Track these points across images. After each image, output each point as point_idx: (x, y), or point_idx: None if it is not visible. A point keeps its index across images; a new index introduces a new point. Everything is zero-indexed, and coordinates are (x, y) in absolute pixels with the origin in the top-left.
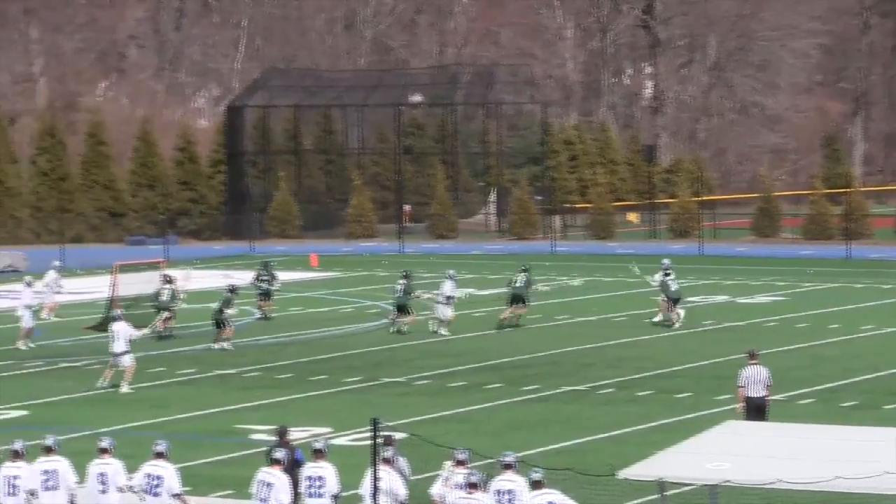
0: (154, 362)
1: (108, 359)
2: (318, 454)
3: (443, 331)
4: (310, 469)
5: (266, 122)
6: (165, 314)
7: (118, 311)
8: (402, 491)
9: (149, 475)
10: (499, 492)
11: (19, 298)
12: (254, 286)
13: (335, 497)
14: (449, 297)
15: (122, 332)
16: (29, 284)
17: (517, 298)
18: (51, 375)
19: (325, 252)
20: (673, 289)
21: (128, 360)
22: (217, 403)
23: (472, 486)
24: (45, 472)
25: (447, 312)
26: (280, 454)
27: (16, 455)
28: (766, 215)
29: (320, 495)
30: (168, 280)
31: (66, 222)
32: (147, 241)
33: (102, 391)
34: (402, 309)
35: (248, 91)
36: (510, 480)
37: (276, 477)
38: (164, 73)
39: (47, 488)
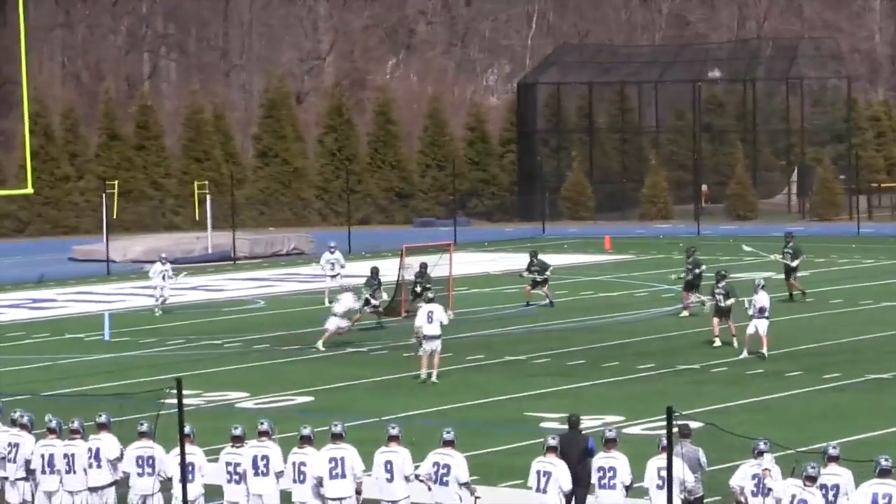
0: (442, 348)
1: (394, 343)
2: (609, 444)
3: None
4: (602, 459)
5: (558, 99)
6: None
7: (430, 294)
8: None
9: (436, 464)
10: (824, 486)
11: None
12: (525, 276)
13: (627, 488)
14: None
15: (437, 314)
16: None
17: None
18: (336, 361)
19: (619, 234)
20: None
21: (438, 345)
22: (505, 390)
23: (810, 480)
24: (332, 459)
25: (762, 326)
26: (554, 441)
27: (304, 440)
28: None
29: (612, 486)
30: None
31: (354, 203)
32: (436, 222)
33: (390, 378)
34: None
35: (540, 67)
36: (835, 474)
37: (555, 465)
38: (455, 49)
39: (334, 476)
